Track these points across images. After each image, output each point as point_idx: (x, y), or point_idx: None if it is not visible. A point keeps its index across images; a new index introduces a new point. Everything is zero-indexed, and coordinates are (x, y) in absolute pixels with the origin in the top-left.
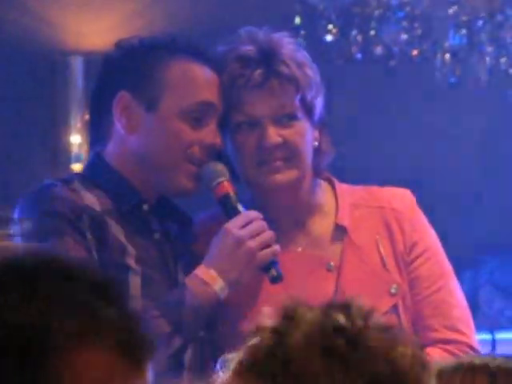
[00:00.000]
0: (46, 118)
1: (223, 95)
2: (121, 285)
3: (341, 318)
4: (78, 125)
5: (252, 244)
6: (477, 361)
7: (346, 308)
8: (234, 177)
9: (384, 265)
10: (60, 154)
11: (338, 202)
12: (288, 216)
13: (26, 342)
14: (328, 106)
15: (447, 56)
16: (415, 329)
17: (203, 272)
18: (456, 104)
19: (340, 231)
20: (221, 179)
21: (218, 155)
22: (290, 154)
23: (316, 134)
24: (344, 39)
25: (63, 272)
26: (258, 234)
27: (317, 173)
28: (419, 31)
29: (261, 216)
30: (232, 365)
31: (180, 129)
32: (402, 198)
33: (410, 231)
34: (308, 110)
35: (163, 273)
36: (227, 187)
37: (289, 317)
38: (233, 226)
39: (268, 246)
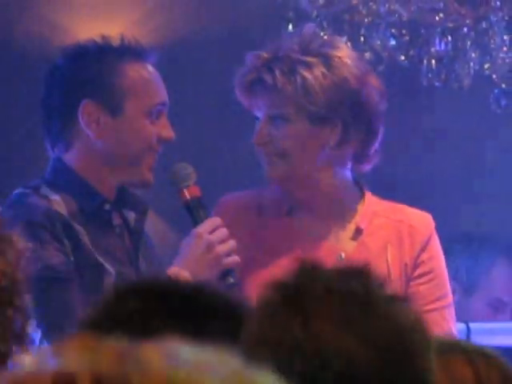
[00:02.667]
0: None
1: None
2: None
3: (356, 285)
4: None
5: (220, 249)
6: (454, 343)
7: (360, 275)
8: None
9: (388, 272)
10: None
11: (363, 207)
12: (307, 206)
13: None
14: None
15: (433, 61)
16: None
17: (175, 272)
18: (439, 106)
19: (357, 233)
20: (189, 182)
21: None
22: (276, 152)
23: (327, 134)
24: None
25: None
26: (223, 241)
27: (338, 174)
28: (407, 38)
29: (222, 223)
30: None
31: (144, 127)
32: (421, 219)
33: (421, 249)
34: (304, 112)
35: (130, 266)
36: (195, 191)
37: (307, 274)
38: (203, 230)
39: (230, 253)
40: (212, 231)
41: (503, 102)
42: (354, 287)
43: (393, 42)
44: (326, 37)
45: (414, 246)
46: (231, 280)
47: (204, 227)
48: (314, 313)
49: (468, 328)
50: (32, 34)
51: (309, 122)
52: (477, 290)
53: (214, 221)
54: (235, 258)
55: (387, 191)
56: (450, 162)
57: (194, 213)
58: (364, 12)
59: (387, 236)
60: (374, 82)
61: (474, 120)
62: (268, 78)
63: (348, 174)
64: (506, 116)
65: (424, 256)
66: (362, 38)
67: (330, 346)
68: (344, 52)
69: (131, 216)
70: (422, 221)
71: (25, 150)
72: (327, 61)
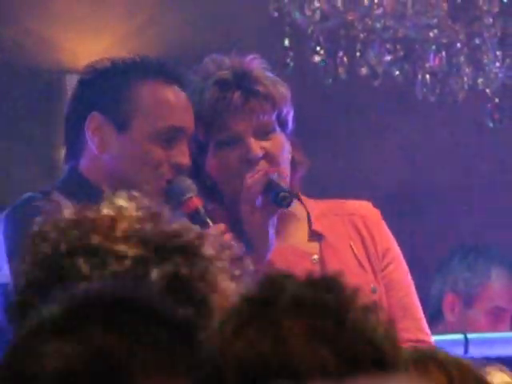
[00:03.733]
0: (43, 135)
1: (205, 118)
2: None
3: (328, 297)
4: None
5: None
6: (430, 352)
7: (332, 285)
8: (216, 195)
9: (362, 266)
10: (56, 171)
11: (308, 211)
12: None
13: (109, 368)
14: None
15: (427, 76)
16: None
17: None
18: (432, 119)
19: (315, 236)
20: (190, 194)
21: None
22: (272, 164)
23: (288, 146)
24: (331, 60)
25: (140, 307)
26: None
27: (292, 184)
28: (401, 53)
29: (226, 228)
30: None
31: (150, 149)
32: (368, 208)
33: (381, 238)
34: (283, 123)
35: None
36: (196, 202)
37: (274, 287)
38: None
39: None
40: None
41: (496, 116)
42: (324, 299)
43: (388, 58)
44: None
45: (374, 236)
46: None
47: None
48: (284, 326)
49: (466, 339)
50: (19, 47)
51: (284, 132)
52: (476, 301)
53: (219, 227)
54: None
55: (388, 203)
56: (446, 175)
57: (198, 223)
58: (359, 28)
59: (346, 233)
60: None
61: (469, 134)
62: (260, 87)
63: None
64: (498, 130)
65: (385, 244)
66: (357, 53)
67: (302, 359)
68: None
69: None
70: (369, 209)
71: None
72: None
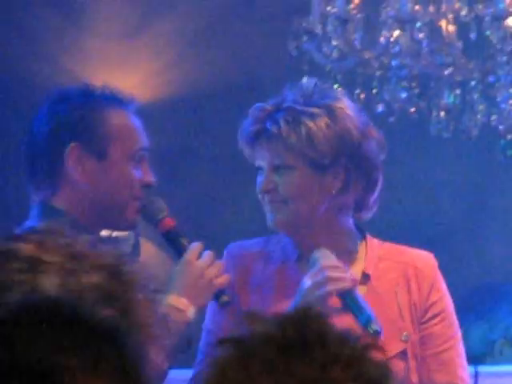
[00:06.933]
0: None
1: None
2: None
3: (293, 335)
4: None
5: (211, 272)
6: None
7: (300, 324)
8: None
9: (400, 313)
10: None
11: (367, 252)
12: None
13: (35, 375)
14: None
15: (442, 113)
16: (420, 379)
17: (176, 300)
18: (448, 157)
19: (365, 278)
20: (163, 214)
21: None
22: (279, 198)
23: (330, 181)
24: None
25: (69, 313)
26: (212, 264)
27: (341, 221)
28: (417, 90)
29: (203, 246)
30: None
31: (126, 171)
32: (425, 260)
33: (429, 291)
34: (308, 160)
35: None
36: (170, 221)
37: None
38: (192, 257)
39: (219, 274)
40: (199, 257)
41: (509, 152)
42: (309, 342)
43: (403, 95)
44: (338, 88)
45: (422, 288)
46: (225, 298)
47: (192, 254)
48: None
49: (476, 371)
50: (55, 84)
51: (312, 169)
52: None
53: (198, 246)
54: (225, 277)
55: (400, 238)
56: (455, 211)
57: (176, 242)
58: (376, 66)
59: (395, 279)
60: (375, 133)
61: (480, 169)
62: (273, 128)
63: (349, 219)
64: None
65: (434, 297)
66: (374, 91)
67: None
68: (346, 104)
69: None
70: (426, 262)
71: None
72: (331, 112)
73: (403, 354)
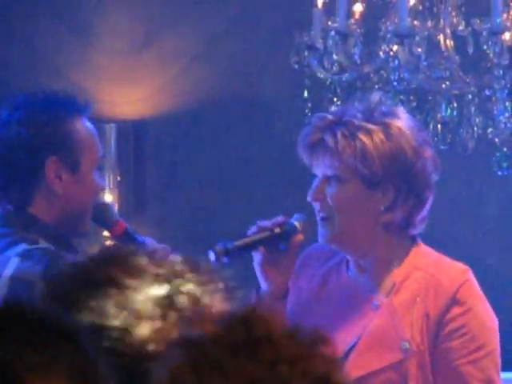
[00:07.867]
0: None
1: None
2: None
3: (241, 334)
4: (111, 185)
5: None
6: None
7: (248, 323)
8: None
9: (410, 323)
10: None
11: (404, 261)
12: (356, 264)
13: None
14: None
15: (439, 126)
16: None
17: None
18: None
19: (392, 286)
20: (116, 218)
21: None
22: (327, 211)
23: (379, 197)
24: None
25: (25, 315)
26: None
27: (386, 234)
28: (414, 103)
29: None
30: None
31: (94, 181)
32: (451, 273)
33: (448, 304)
34: (360, 175)
35: None
36: (123, 223)
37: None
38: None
39: None
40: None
41: (504, 165)
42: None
43: (401, 108)
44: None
45: (439, 300)
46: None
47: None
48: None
49: None
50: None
51: (362, 184)
52: None
53: (153, 242)
54: None
55: None
56: (451, 223)
57: (130, 241)
58: (375, 79)
59: (417, 290)
60: (429, 154)
61: (476, 181)
62: (330, 140)
63: (396, 235)
64: (506, 177)
65: (454, 311)
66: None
67: None
68: (404, 122)
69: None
70: (451, 275)
71: None
72: (387, 129)
73: (398, 365)
